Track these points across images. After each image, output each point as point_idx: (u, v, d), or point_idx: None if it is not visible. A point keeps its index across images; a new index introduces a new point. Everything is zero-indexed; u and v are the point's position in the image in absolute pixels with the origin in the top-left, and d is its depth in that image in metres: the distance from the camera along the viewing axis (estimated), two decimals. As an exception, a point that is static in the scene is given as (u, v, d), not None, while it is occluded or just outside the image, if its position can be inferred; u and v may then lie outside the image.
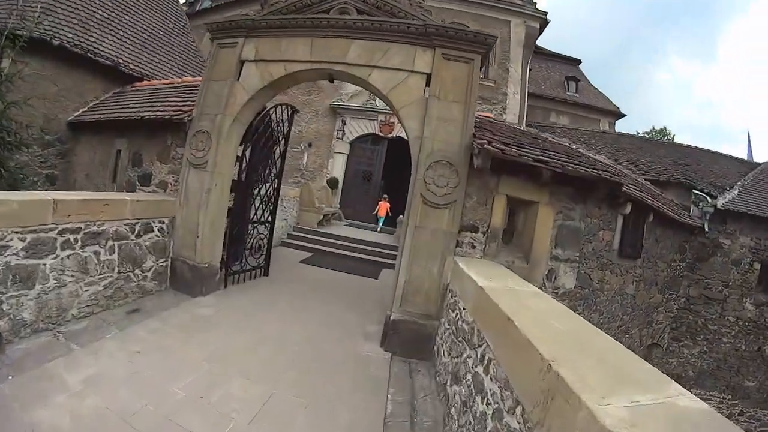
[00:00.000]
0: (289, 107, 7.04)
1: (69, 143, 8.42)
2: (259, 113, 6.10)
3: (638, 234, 7.06)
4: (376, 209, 13.90)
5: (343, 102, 15.40)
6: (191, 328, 4.46)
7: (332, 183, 14.62)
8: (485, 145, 4.41)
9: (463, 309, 3.56)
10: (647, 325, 8.79)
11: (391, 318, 4.67)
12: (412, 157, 4.84)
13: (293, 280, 7.11)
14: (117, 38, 9.06)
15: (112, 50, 8.73)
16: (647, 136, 28.41)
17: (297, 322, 5.12)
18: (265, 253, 6.99)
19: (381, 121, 14.87)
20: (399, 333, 4.63)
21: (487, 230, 4.86)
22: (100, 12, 8.97)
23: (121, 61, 8.75)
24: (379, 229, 13.52)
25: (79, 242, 4.14)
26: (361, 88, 15.48)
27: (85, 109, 8.34)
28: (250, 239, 6.66)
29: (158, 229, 5.36)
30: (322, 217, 10.87)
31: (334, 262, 9.06)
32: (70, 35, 8.08)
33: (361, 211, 15.15)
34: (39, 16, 7.67)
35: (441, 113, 4.74)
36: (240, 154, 6.09)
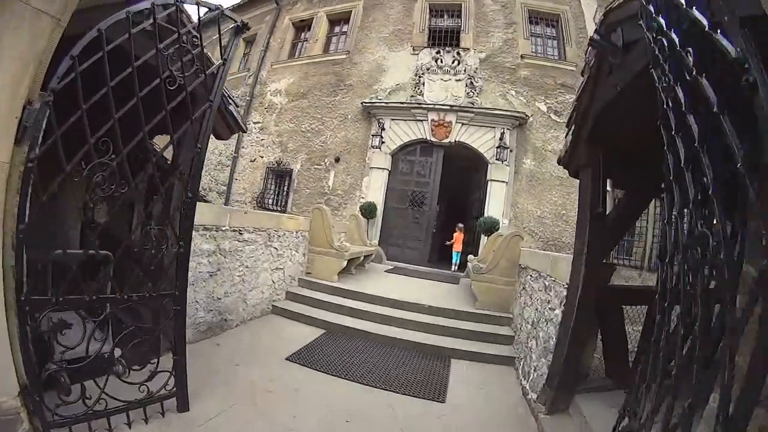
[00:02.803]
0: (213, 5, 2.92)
1: None
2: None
3: None
4: (452, 240, 10.88)
5: (380, 99, 11.36)
6: None
7: (368, 210, 10.31)
8: None
9: None
10: None
11: None
12: None
13: (242, 428, 2.77)
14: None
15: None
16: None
17: None
18: (174, 362, 2.75)
19: (433, 120, 10.57)
20: None
21: None
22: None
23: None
24: (455, 267, 10.54)
25: None
26: (403, 80, 11.73)
27: None
28: (106, 332, 2.43)
29: None
30: (345, 263, 6.54)
31: (356, 354, 4.61)
32: None
33: (409, 249, 10.69)
34: None
35: None
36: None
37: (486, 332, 5.27)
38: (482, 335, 5.22)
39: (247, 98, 13.96)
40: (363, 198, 10.87)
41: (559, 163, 4.04)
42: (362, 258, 7.72)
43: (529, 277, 4.91)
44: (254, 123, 13.66)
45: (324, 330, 5.30)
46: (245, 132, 4.54)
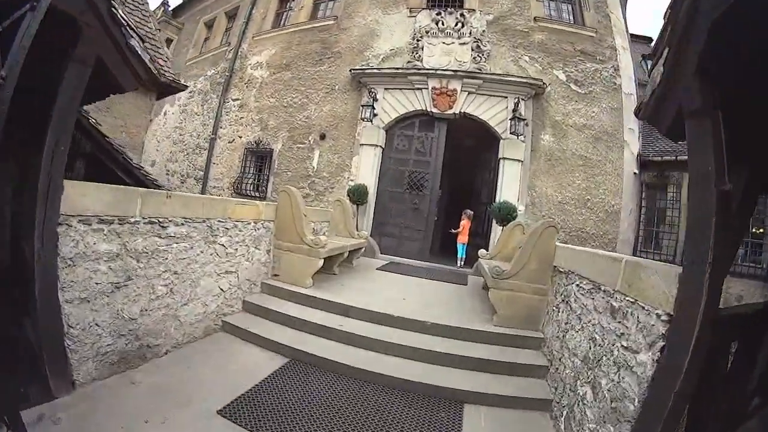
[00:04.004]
0: None
1: None
2: None
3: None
4: (458, 229, 8.91)
5: (371, 66, 9.76)
6: None
7: (357, 193, 8.77)
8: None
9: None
10: None
11: None
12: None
13: None
14: None
15: None
16: None
17: None
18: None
19: (434, 88, 8.98)
20: None
21: None
22: None
23: None
24: (461, 262, 8.72)
25: None
26: (398, 45, 9.87)
27: None
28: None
29: None
30: (321, 262, 5.07)
31: (327, 402, 3.10)
32: None
33: (407, 240, 9.19)
34: None
35: None
36: None
37: (509, 362, 3.82)
38: (504, 366, 3.78)
39: (227, 74, 12.47)
40: (352, 180, 9.33)
41: (636, 114, 2.55)
42: (347, 254, 6.25)
43: (575, 286, 3.43)
44: (233, 100, 12.18)
45: (286, 359, 3.86)
46: (162, 82, 3.03)
